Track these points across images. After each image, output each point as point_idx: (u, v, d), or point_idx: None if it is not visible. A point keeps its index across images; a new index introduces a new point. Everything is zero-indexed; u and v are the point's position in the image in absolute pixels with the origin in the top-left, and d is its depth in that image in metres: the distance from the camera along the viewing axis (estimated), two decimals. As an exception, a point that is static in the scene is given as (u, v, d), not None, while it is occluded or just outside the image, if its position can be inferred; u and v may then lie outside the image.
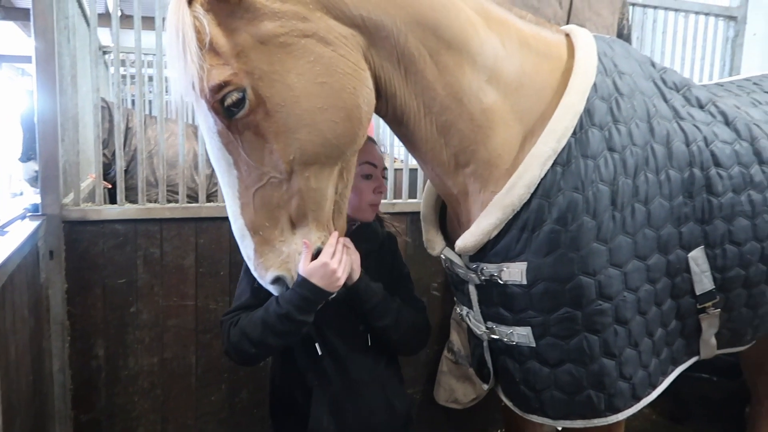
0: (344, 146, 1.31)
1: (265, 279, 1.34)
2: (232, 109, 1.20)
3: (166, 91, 3.99)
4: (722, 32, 3.45)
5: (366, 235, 1.71)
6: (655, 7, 3.26)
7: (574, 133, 1.37)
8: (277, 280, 1.35)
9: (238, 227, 1.30)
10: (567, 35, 1.56)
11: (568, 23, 2.87)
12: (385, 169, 1.73)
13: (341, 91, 1.25)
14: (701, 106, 1.61)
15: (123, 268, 2.29)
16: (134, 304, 2.33)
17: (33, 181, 4.03)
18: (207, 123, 1.25)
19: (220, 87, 1.18)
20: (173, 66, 1.20)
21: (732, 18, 3.43)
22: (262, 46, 1.20)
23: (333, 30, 1.25)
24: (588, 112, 1.38)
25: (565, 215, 1.35)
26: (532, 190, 1.35)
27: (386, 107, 1.40)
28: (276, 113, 1.22)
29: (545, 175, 1.35)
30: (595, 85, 1.41)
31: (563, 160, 1.36)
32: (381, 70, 1.34)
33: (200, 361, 2.46)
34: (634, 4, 3.17)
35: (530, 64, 1.44)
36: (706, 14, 3.38)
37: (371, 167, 1.67)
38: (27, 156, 4.09)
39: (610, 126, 1.40)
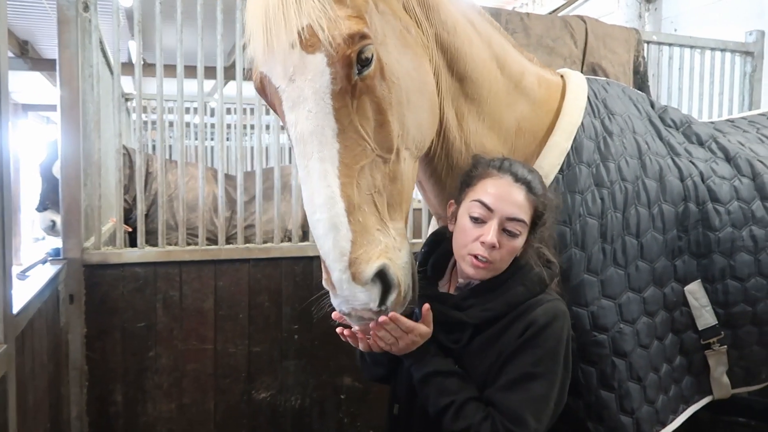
0: (428, 138, 1.30)
1: (364, 275, 1.10)
2: (361, 67, 1.13)
3: (187, 136, 4.07)
4: (739, 68, 3.44)
5: (486, 297, 1.28)
6: (671, 44, 3.27)
7: (561, 170, 1.43)
8: (377, 277, 1.12)
9: (333, 214, 1.09)
10: (562, 76, 1.63)
11: (583, 62, 2.91)
12: (515, 221, 1.23)
13: (428, 84, 1.30)
14: (701, 143, 1.62)
15: (142, 311, 2.32)
16: (153, 349, 2.34)
17: (49, 230, 4.04)
18: (319, 83, 1.12)
19: (361, 37, 1.11)
20: (279, 12, 1.11)
21: (749, 53, 3.41)
22: (380, 15, 1.20)
23: (428, 49, 1.33)
24: (575, 150, 1.45)
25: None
26: None
27: None
28: (391, 83, 1.19)
29: None
30: (582, 125, 1.47)
31: None
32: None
33: (219, 407, 2.44)
34: (649, 42, 3.20)
35: (529, 109, 1.53)
36: (722, 50, 3.37)
37: (482, 208, 1.24)
38: (43, 206, 4.09)
39: (598, 163, 1.45)
